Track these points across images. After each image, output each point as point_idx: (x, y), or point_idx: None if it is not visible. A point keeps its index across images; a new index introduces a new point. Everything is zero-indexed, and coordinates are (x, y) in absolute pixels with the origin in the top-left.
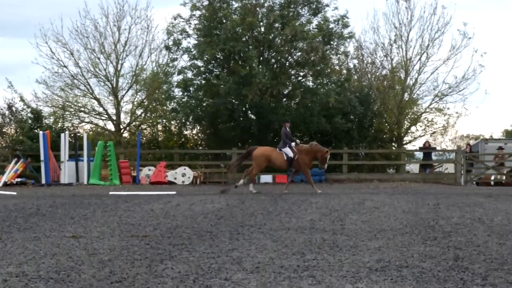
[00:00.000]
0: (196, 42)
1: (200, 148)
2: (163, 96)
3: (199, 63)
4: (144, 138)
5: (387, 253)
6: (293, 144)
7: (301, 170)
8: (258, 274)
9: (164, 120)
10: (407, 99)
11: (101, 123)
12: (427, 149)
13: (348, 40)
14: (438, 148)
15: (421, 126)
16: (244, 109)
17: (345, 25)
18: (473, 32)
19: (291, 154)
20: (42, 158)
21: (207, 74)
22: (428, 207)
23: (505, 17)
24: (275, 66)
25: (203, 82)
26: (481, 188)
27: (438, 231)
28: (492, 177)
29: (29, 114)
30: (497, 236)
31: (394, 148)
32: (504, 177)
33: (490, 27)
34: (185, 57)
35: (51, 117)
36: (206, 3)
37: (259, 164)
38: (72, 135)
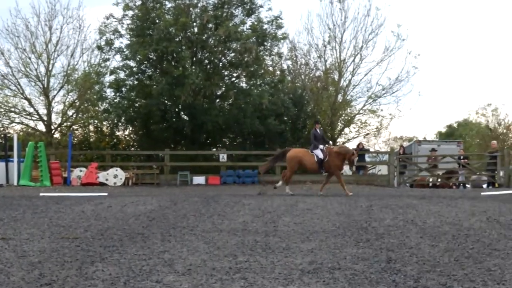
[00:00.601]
0: (128, 42)
1: (132, 149)
2: (95, 96)
3: (132, 63)
4: (76, 139)
5: (320, 255)
6: (321, 146)
7: (332, 172)
8: (190, 276)
9: (96, 121)
10: (340, 100)
11: (31, 123)
12: (360, 151)
13: (282, 41)
14: (371, 149)
15: (354, 128)
16: (176, 110)
17: (279, 26)
18: (406, 34)
19: (321, 156)
20: None
21: (139, 74)
22: (361, 209)
23: (438, 19)
24: (208, 66)
25: (136, 82)
26: (414, 189)
27: (370, 233)
28: (429, 179)
29: None
30: (430, 238)
31: None
32: (438, 179)
33: (424, 29)
34: (118, 57)
35: None
36: (139, 3)
37: (292, 167)
38: (2, 135)
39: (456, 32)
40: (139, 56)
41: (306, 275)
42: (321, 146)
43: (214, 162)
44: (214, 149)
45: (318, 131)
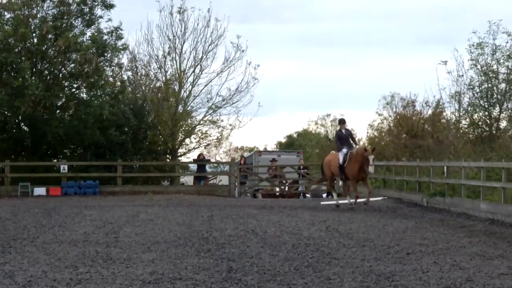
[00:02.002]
0: None
1: None
2: None
3: None
4: None
5: (161, 265)
6: (344, 149)
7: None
8: (31, 287)
9: None
10: (181, 111)
11: None
12: (201, 161)
13: (122, 52)
14: (212, 160)
15: (195, 138)
16: (17, 121)
17: (119, 37)
18: (246, 45)
19: (341, 160)
20: None
21: None
22: (202, 219)
23: (277, 30)
24: (48, 77)
25: None
26: (254, 200)
27: (212, 243)
28: (277, 189)
29: None
30: (270, 247)
31: (168, 160)
32: (277, 189)
33: (263, 40)
34: None
35: None
36: None
37: (325, 173)
38: None
39: (295, 44)
40: None
41: (147, 285)
42: (344, 150)
43: (55, 173)
44: (55, 160)
45: (343, 131)
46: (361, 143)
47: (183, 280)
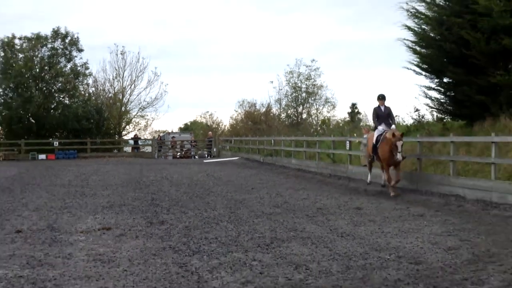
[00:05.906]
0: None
1: (1, 139)
2: None
3: None
4: None
5: (113, 197)
6: (380, 127)
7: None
8: (38, 211)
9: None
10: (124, 110)
11: None
12: (136, 139)
13: (88, 76)
14: (142, 138)
15: (132, 126)
16: (27, 116)
17: (86, 68)
18: (160, 71)
19: (375, 139)
20: None
21: (4, 96)
22: (136, 171)
23: (179, 62)
24: (46, 91)
25: (2, 100)
26: (165, 160)
27: (142, 184)
28: (178, 154)
29: None
30: (175, 186)
31: (116, 138)
32: (183, 153)
33: (170, 69)
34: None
35: None
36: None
37: (367, 149)
38: None
39: (188, 70)
40: (3, 85)
41: (106, 209)
42: (380, 128)
43: (51, 146)
44: (51, 139)
45: (382, 108)
46: (226, 127)
47: (125, 205)
